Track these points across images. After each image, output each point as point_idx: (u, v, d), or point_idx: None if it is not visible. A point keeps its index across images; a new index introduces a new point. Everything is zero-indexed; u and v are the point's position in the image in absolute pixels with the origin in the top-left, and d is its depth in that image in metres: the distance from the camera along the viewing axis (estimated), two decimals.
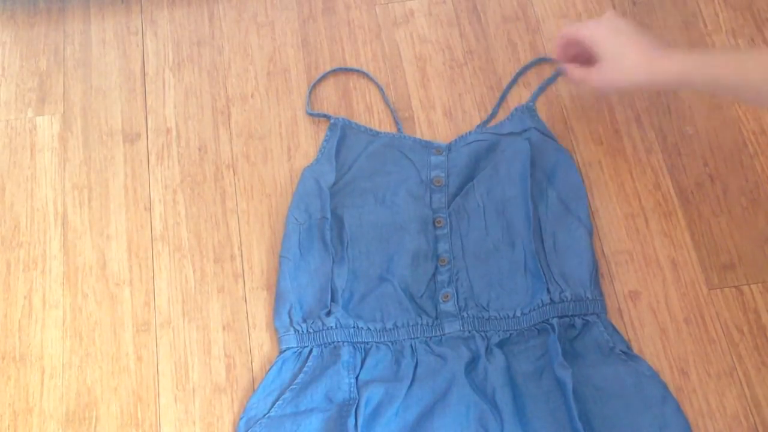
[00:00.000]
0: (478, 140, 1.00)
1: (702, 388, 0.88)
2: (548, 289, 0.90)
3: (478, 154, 0.99)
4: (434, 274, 0.93)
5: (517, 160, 0.97)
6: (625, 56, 0.87)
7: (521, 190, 0.95)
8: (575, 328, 0.89)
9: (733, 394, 0.88)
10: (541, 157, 0.97)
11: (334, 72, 1.08)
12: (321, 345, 0.90)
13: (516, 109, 1.03)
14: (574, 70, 0.93)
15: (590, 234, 0.94)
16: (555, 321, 0.88)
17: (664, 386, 0.86)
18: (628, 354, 0.87)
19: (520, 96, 1.05)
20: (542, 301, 0.89)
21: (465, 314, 0.90)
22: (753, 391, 0.88)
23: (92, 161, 1.04)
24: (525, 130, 1.00)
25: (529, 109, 1.03)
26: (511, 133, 1.00)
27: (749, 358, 0.89)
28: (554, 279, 0.90)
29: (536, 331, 0.89)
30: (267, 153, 1.04)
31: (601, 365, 0.86)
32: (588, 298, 0.90)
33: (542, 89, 1.05)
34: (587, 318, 0.89)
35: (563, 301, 0.89)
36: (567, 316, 0.89)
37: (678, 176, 1.00)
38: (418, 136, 1.03)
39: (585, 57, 0.92)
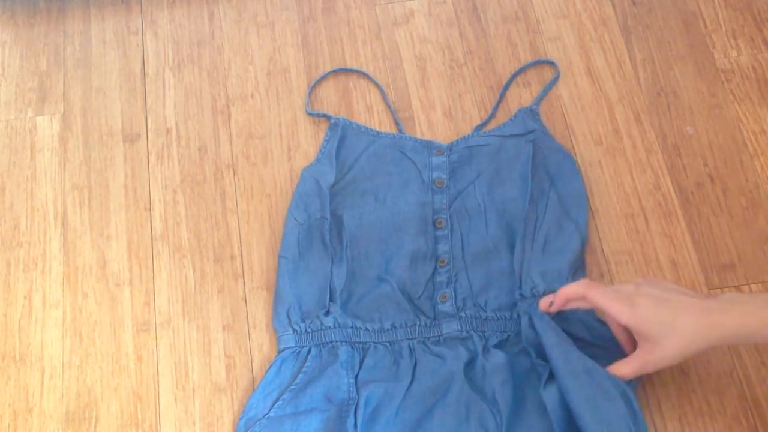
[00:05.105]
0: (479, 144, 1.00)
1: (702, 388, 0.88)
2: (520, 285, 0.89)
3: (480, 156, 0.99)
4: (433, 275, 0.93)
5: (519, 162, 0.97)
6: (679, 325, 0.74)
7: (522, 192, 0.95)
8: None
9: (733, 394, 0.88)
10: (545, 158, 0.97)
11: (334, 72, 1.08)
12: (319, 345, 0.90)
13: (519, 111, 1.03)
14: (623, 366, 0.79)
15: (584, 243, 0.93)
16: (521, 308, 0.88)
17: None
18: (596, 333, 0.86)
19: (519, 96, 1.05)
20: (518, 296, 0.89)
21: (463, 314, 0.90)
22: (753, 391, 0.88)
23: (92, 161, 1.04)
24: (529, 132, 0.99)
25: (532, 112, 1.03)
26: (513, 135, 1.00)
27: (749, 358, 0.89)
28: (531, 277, 0.90)
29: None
30: (267, 153, 1.04)
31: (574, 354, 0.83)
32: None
33: (546, 92, 1.05)
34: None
35: (535, 296, 0.89)
36: None
37: (678, 176, 1.00)
38: (418, 136, 1.03)
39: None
